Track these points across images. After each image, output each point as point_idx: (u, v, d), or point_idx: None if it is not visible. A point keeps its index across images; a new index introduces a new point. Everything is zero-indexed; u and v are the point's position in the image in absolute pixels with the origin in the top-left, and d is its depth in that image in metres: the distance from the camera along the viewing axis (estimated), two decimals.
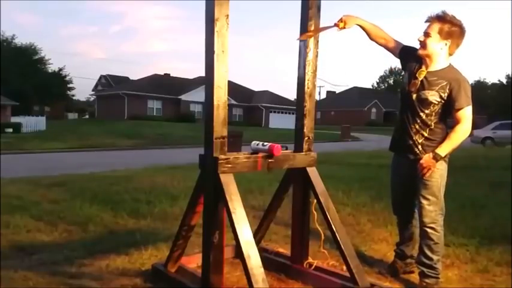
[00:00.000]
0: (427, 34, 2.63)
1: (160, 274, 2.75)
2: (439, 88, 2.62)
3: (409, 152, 2.76)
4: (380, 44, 2.89)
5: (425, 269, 2.73)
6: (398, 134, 2.86)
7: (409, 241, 3.00)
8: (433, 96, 2.63)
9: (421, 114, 2.68)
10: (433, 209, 2.68)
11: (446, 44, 2.63)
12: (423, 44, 2.65)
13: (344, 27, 2.68)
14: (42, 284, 2.70)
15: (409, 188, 2.84)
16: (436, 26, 2.60)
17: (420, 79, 2.67)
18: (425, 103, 2.66)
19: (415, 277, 2.87)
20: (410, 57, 2.78)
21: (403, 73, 2.92)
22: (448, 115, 2.71)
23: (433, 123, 2.69)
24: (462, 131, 2.63)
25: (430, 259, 2.71)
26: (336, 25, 2.67)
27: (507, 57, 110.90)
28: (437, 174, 2.69)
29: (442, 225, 2.74)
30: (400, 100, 2.85)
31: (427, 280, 2.73)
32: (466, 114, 2.62)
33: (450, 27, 2.60)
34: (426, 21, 2.66)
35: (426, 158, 2.64)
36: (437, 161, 2.63)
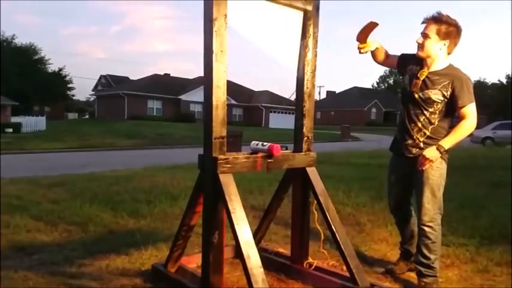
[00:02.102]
0: (425, 35, 2.64)
1: (160, 274, 2.75)
2: (441, 87, 2.63)
3: (409, 151, 2.77)
4: (383, 63, 2.98)
5: (423, 269, 2.74)
6: (400, 134, 2.87)
7: (411, 239, 3.00)
8: (435, 95, 2.64)
9: (425, 112, 2.69)
10: (431, 208, 2.69)
11: (445, 45, 2.64)
12: (422, 46, 2.66)
13: (367, 51, 2.81)
14: (42, 284, 2.71)
15: (407, 187, 2.85)
16: (434, 27, 2.62)
17: (422, 79, 2.69)
18: (428, 102, 2.67)
19: (414, 277, 2.87)
20: (409, 61, 2.81)
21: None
22: (451, 114, 2.72)
23: (436, 121, 2.70)
24: (467, 126, 2.63)
25: (428, 258, 2.71)
26: (359, 48, 2.79)
27: (507, 57, 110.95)
28: (438, 174, 2.69)
29: (440, 224, 2.74)
30: (402, 101, 2.85)
31: (425, 280, 2.73)
32: (470, 111, 2.63)
33: (447, 28, 2.61)
34: (422, 23, 2.68)
35: (429, 150, 2.64)
36: (440, 153, 2.62)
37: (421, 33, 2.66)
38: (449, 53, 2.69)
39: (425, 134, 2.71)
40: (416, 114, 2.72)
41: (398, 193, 2.95)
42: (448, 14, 2.64)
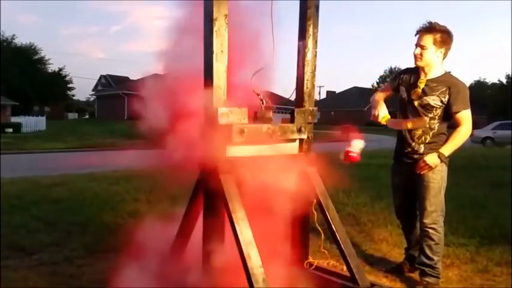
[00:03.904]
0: (422, 47, 2.71)
1: (161, 274, 2.74)
2: (439, 93, 2.72)
3: (410, 157, 2.82)
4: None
5: (426, 269, 2.75)
6: (400, 143, 2.93)
7: (416, 245, 3.01)
8: (434, 100, 2.72)
9: (425, 118, 2.76)
10: (434, 210, 2.71)
11: (441, 52, 2.73)
12: (420, 57, 2.73)
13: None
14: (42, 284, 2.70)
15: (410, 192, 2.87)
16: (429, 37, 2.69)
17: (421, 87, 2.76)
18: (427, 108, 2.75)
19: (416, 277, 2.87)
20: (402, 75, 2.92)
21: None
22: (448, 119, 2.79)
23: (436, 126, 2.76)
24: (464, 132, 2.72)
25: (431, 259, 2.73)
26: (379, 121, 2.91)
27: (507, 57, 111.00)
28: (439, 176, 2.73)
29: (443, 226, 2.76)
30: (401, 110, 2.93)
31: (427, 279, 2.74)
32: (465, 117, 2.72)
33: (442, 36, 2.70)
34: (416, 34, 2.75)
35: (430, 156, 2.70)
36: (441, 160, 2.69)
37: (417, 45, 2.75)
38: (444, 58, 2.78)
39: (426, 139, 2.78)
40: None
41: (402, 199, 2.98)
42: (436, 21, 2.72)
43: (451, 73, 2.82)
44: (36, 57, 43.32)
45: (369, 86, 70.53)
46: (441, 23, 2.72)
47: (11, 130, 24.09)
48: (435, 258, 2.74)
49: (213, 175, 2.27)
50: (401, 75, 2.93)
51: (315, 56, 2.73)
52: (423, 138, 2.77)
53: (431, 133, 2.76)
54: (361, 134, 2.82)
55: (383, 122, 2.86)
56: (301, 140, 2.69)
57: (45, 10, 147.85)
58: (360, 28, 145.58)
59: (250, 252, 2.15)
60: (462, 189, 5.62)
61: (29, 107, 37.42)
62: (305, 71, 2.70)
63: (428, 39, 2.69)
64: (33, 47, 43.21)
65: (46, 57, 44.44)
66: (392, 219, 4.12)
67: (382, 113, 2.85)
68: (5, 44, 39.83)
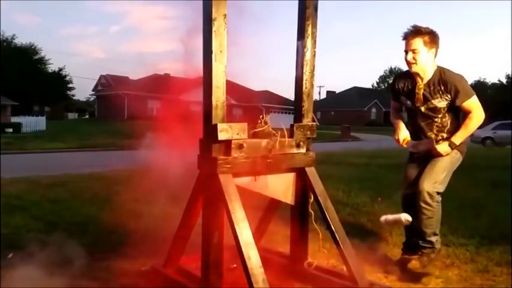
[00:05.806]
0: (414, 51, 2.73)
1: (160, 274, 2.75)
2: (441, 93, 2.76)
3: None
4: None
5: (420, 241, 2.85)
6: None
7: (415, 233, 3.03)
8: (440, 102, 2.77)
9: (436, 119, 2.82)
10: (432, 183, 2.75)
11: (433, 53, 2.77)
12: (414, 61, 2.75)
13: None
14: (42, 284, 2.70)
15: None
16: (419, 40, 2.73)
17: (422, 93, 2.80)
18: (435, 110, 2.80)
19: (417, 275, 2.88)
20: (396, 85, 2.97)
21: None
22: (459, 110, 2.83)
23: (448, 123, 2.82)
24: (476, 119, 2.75)
25: (424, 233, 2.81)
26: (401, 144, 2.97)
27: (507, 57, 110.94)
28: (448, 159, 2.80)
29: (439, 202, 2.79)
30: (410, 117, 2.97)
31: (423, 250, 2.84)
32: (473, 104, 2.75)
33: (430, 37, 2.73)
34: (404, 39, 2.77)
35: (442, 145, 2.77)
36: (452, 148, 2.75)
37: (408, 50, 2.77)
38: (434, 58, 2.81)
39: (443, 137, 2.84)
40: (429, 124, 2.84)
41: (411, 189, 2.99)
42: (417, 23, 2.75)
43: (442, 67, 2.83)
44: (36, 57, 43.43)
45: (369, 86, 70.63)
46: (427, 25, 2.77)
47: (11, 130, 24.09)
48: (428, 231, 2.80)
49: (213, 175, 2.27)
50: (396, 86, 2.98)
51: (314, 55, 2.72)
52: (439, 136, 2.85)
53: (445, 130, 2.83)
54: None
55: (404, 144, 2.91)
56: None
57: (45, 10, 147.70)
58: (360, 27, 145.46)
59: (250, 253, 2.15)
60: (462, 189, 5.61)
61: (29, 107, 37.44)
62: (304, 70, 2.69)
63: (418, 42, 2.71)
64: (33, 47, 43.35)
65: (46, 57, 44.58)
66: None
67: (402, 136, 2.91)
68: (5, 44, 39.88)
